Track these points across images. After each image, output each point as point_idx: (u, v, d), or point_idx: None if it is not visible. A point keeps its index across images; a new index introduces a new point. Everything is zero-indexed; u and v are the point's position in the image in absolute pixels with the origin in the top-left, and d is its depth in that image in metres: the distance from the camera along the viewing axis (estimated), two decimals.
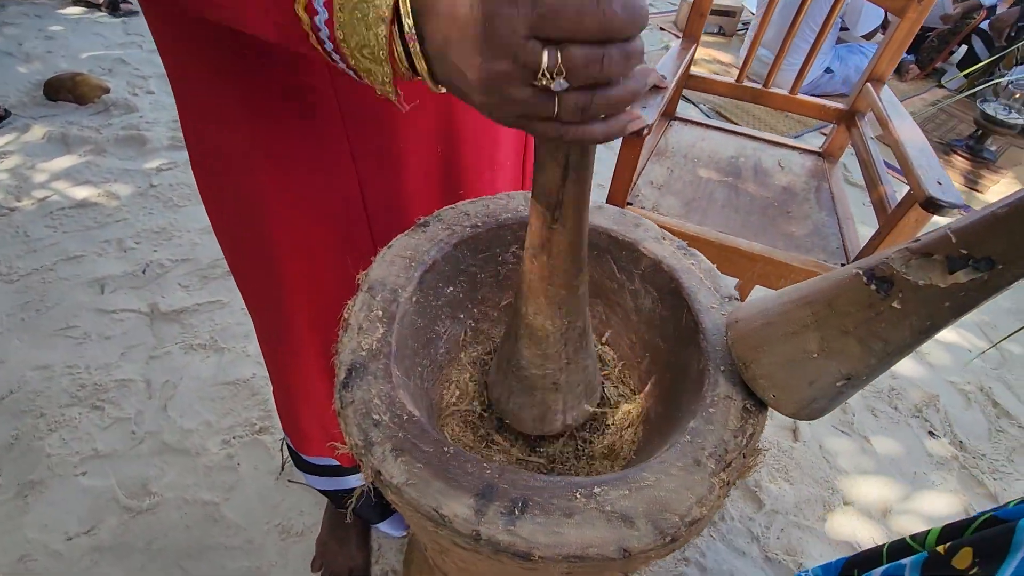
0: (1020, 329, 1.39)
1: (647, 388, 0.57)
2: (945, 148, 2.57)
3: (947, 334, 1.70)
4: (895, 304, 0.35)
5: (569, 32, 0.26)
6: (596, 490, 0.37)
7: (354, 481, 0.94)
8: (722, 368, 0.46)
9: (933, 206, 0.79)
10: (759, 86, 1.23)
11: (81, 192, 1.75)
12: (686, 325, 0.51)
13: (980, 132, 2.46)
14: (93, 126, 1.99)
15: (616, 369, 0.62)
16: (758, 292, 1.46)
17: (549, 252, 0.41)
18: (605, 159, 2.20)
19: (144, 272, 1.56)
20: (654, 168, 1.17)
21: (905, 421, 1.46)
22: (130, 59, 2.50)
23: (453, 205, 0.59)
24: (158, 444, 1.21)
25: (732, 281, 1.37)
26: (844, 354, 0.38)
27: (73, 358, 1.34)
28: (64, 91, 2.00)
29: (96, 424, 1.23)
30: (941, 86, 3.16)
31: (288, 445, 0.93)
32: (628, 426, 0.56)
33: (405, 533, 1.09)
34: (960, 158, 2.50)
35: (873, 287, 0.36)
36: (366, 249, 0.60)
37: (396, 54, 0.31)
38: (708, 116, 2.64)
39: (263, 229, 0.60)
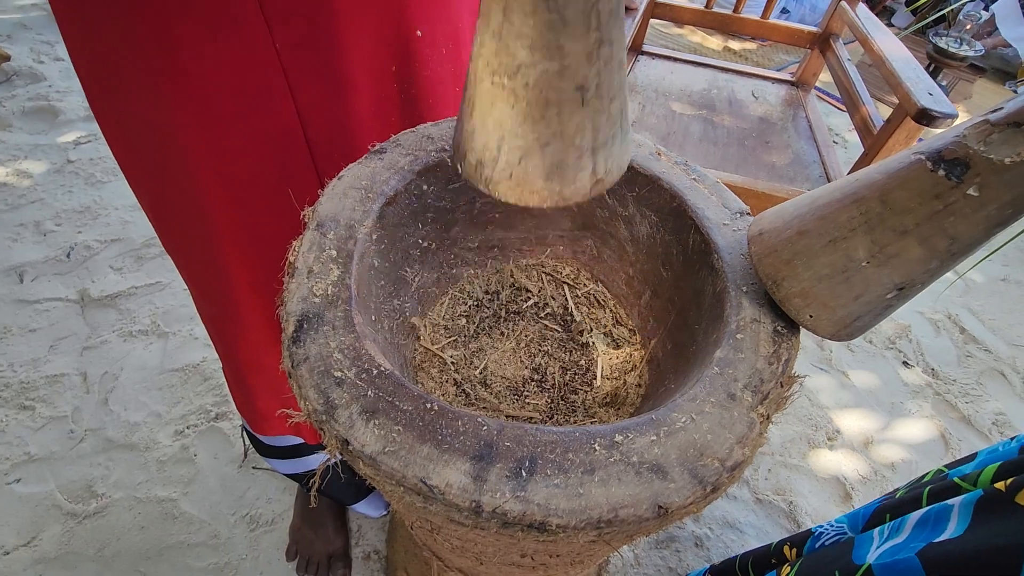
0: (985, 258, 1.40)
1: (650, 325, 0.51)
2: None
3: None
4: (971, 191, 0.29)
5: None
6: (619, 438, 0.30)
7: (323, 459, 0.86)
8: (744, 289, 0.39)
9: (926, 118, 0.75)
10: (730, 12, 1.16)
11: None
12: (694, 247, 0.44)
13: (932, 67, 2.48)
14: None
15: (607, 308, 0.55)
16: None
17: None
18: None
19: (69, 256, 1.40)
20: None
21: (880, 353, 1.47)
22: (32, 23, 2.22)
23: (414, 128, 0.50)
24: (101, 441, 1.09)
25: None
26: (900, 259, 0.32)
27: None
28: None
29: (27, 426, 1.10)
30: (891, 25, 3.17)
31: (246, 429, 0.84)
32: (631, 370, 0.50)
33: (385, 512, 1.02)
34: None
35: (942, 173, 0.30)
36: (310, 185, 0.50)
37: None
38: None
39: (184, 172, 0.50)
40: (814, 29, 1.14)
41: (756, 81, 1.21)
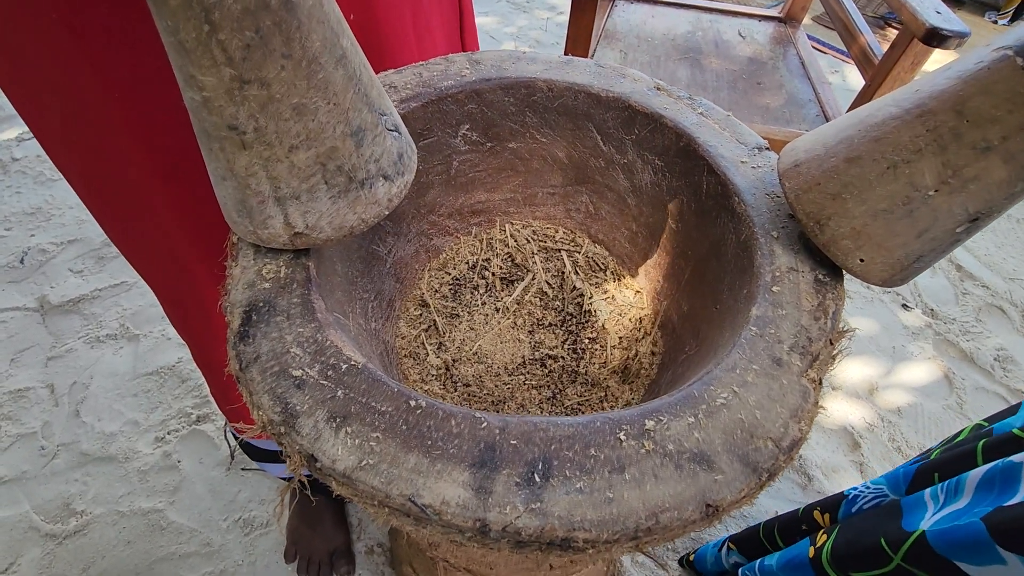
0: None
1: (660, 286, 0.45)
2: (879, 21, 2.51)
3: None
4: None
5: None
6: (649, 424, 0.25)
7: None
8: (774, 235, 0.34)
9: (936, 38, 0.69)
10: None
11: None
12: (709, 191, 0.38)
13: None
14: None
15: (608, 270, 0.49)
16: None
17: None
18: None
19: (23, 262, 1.30)
20: (605, 52, 1.02)
21: (878, 298, 1.44)
22: None
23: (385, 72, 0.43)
24: (76, 456, 1.03)
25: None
26: (979, 182, 0.26)
27: None
28: None
29: None
30: None
31: (232, 432, 0.78)
32: (643, 337, 0.44)
33: None
34: (894, 29, 2.45)
35: None
36: None
37: None
38: None
39: (115, 149, 0.42)
40: None
41: (742, 20, 1.13)
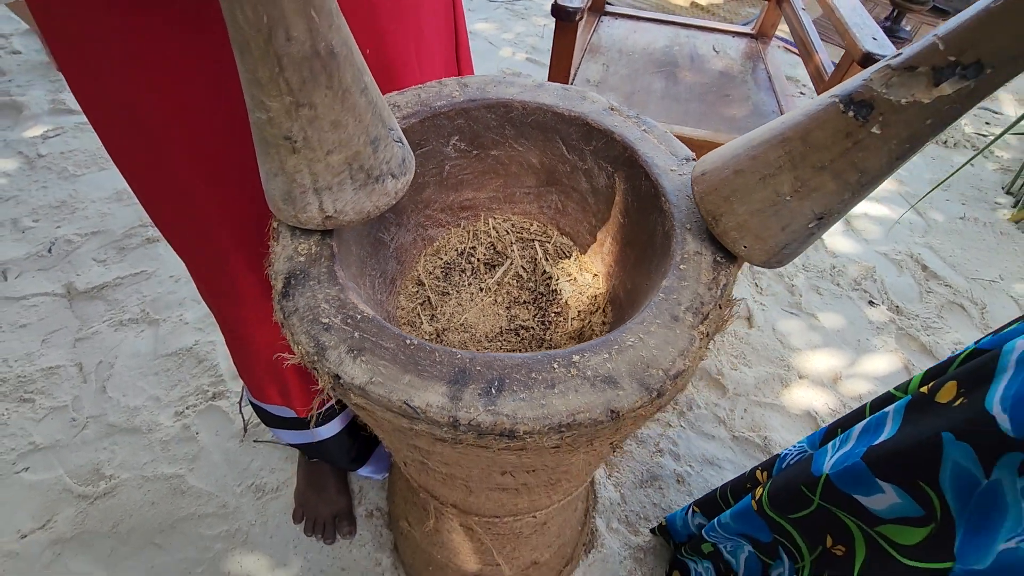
0: (931, 191, 1.46)
1: (611, 269, 0.55)
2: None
3: (878, 209, 1.78)
4: (875, 129, 0.33)
5: None
6: (576, 358, 0.35)
7: (323, 433, 0.91)
8: (688, 227, 0.44)
9: (871, 61, 0.78)
10: None
11: None
12: (645, 192, 0.49)
13: (896, 12, 2.50)
14: None
15: (573, 257, 0.59)
16: None
17: None
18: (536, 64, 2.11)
19: (50, 251, 1.40)
20: (589, 66, 1.12)
21: (846, 295, 1.54)
22: None
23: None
24: (103, 427, 1.13)
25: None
26: (819, 192, 0.37)
27: None
28: None
29: (28, 417, 1.13)
30: None
31: (251, 400, 0.88)
32: (596, 311, 0.55)
33: (386, 475, 1.08)
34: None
35: (851, 114, 0.34)
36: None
37: None
38: None
39: (163, 154, 0.52)
40: None
41: (717, 36, 1.23)
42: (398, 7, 0.54)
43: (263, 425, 1.10)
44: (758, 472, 0.76)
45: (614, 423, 0.34)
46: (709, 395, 1.29)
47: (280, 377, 0.77)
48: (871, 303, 1.52)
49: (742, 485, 0.79)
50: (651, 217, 0.48)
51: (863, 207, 1.78)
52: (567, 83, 0.96)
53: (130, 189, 0.58)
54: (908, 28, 2.59)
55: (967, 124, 2.13)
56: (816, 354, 1.40)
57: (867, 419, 0.53)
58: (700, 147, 0.97)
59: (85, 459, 1.08)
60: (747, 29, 1.25)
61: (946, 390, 0.46)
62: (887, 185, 1.87)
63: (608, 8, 1.27)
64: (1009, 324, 0.52)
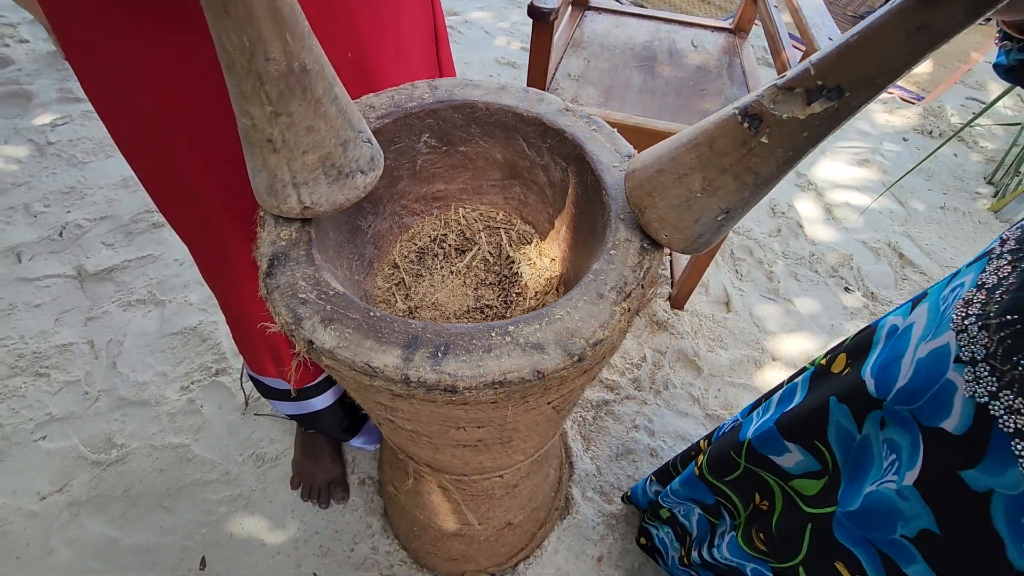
0: (904, 176, 1.51)
1: (564, 255, 0.62)
2: (858, 20, 2.62)
3: (859, 198, 1.82)
4: (763, 139, 0.39)
5: None
6: (511, 328, 0.42)
7: (316, 404, 0.98)
8: (622, 217, 0.50)
9: None
10: None
11: None
12: (591, 186, 0.55)
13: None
14: None
15: (533, 244, 0.66)
16: None
17: None
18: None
19: (61, 235, 1.48)
20: (571, 60, 1.17)
21: (823, 282, 1.60)
22: None
23: (358, 99, 0.59)
24: (114, 400, 1.21)
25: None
26: (723, 190, 0.43)
27: (4, 331, 1.29)
28: None
29: (44, 390, 1.21)
30: None
31: (250, 375, 0.96)
32: (550, 291, 0.61)
33: (378, 446, 1.16)
34: None
35: (746, 125, 0.40)
36: None
37: None
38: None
39: (172, 150, 0.59)
40: None
41: (696, 30, 1.28)
42: (377, 12, 0.60)
43: (263, 399, 1.18)
44: (702, 442, 0.83)
45: (541, 382, 0.40)
46: (685, 375, 1.36)
47: (275, 350, 0.84)
48: (847, 289, 1.58)
49: (689, 454, 0.86)
50: (595, 208, 0.54)
51: (844, 196, 1.83)
52: (545, 79, 1.02)
53: (136, 177, 0.65)
54: None
55: (954, 115, 2.16)
56: (790, 338, 1.46)
57: (783, 389, 0.60)
58: None
59: (98, 429, 1.17)
60: (726, 24, 1.29)
61: (839, 361, 0.52)
62: (869, 175, 1.91)
63: (592, 3, 1.31)
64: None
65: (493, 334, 0.41)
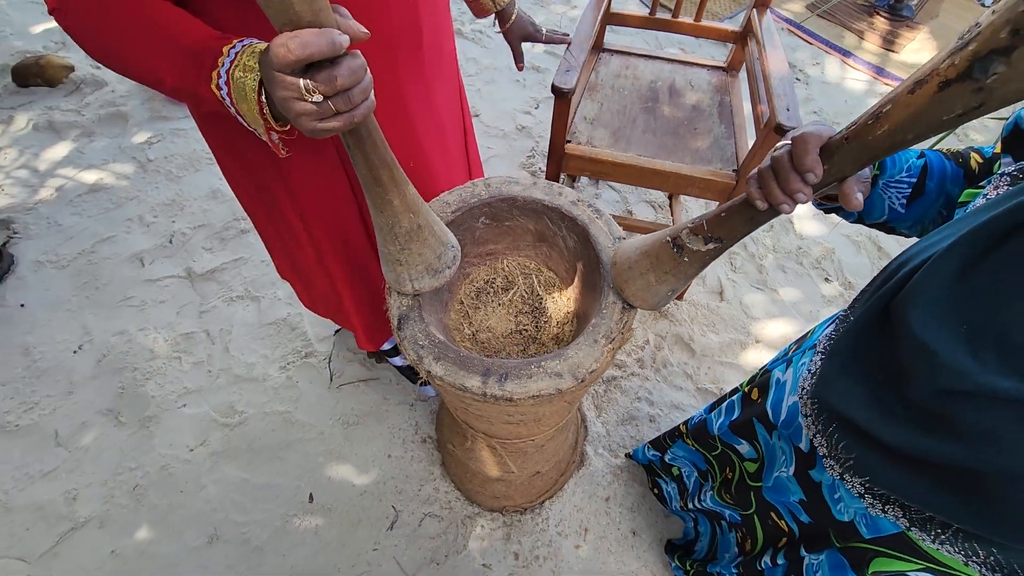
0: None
1: (576, 297, 0.91)
2: (868, 9, 2.73)
3: None
4: (684, 259, 0.68)
5: (301, 59, 0.44)
6: (543, 363, 0.72)
7: (399, 361, 1.35)
8: (611, 285, 0.79)
9: (780, 130, 1.08)
10: (669, 16, 1.44)
11: (90, 176, 1.94)
12: (592, 258, 0.84)
13: None
14: (73, 108, 2.11)
15: (556, 287, 0.95)
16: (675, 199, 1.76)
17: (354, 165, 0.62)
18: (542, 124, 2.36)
19: (171, 242, 1.82)
20: (587, 104, 1.42)
21: (807, 273, 1.85)
22: None
23: (437, 197, 0.88)
24: (231, 377, 1.57)
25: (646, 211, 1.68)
26: (667, 283, 0.71)
27: (140, 322, 1.64)
28: (32, 76, 2.08)
29: (179, 369, 1.57)
30: None
31: (368, 354, 1.30)
32: (567, 322, 0.91)
33: (435, 394, 1.50)
34: (881, 18, 2.67)
35: (675, 250, 0.68)
36: (361, 244, 0.92)
37: (264, 114, 0.54)
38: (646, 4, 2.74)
39: (286, 226, 0.90)
40: (736, 28, 1.42)
41: (694, 69, 1.50)
42: (429, 118, 0.88)
43: (343, 375, 1.52)
44: (681, 426, 1.14)
45: (560, 395, 0.71)
46: (680, 356, 1.66)
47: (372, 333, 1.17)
48: (827, 280, 1.83)
49: (674, 432, 1.17)
50: (595, 274, 0.83)
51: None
52: (565, 133, 1.28)
53: (223, 190, 0.96)
54: (913, 4, 2.70)
55: None
56: (773, 323, 1.74)
57: (726, 402, 0.90)
58: (670, 176, 1.28)
59: (222, 399, 1.53)
60: (720, 62, 1.51)
61: (755, 393, 0.82)
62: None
63: (606, 46, 1.54)
64: (786, 350, 0.87)
65: (532, 367, 0.72)
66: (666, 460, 1.23)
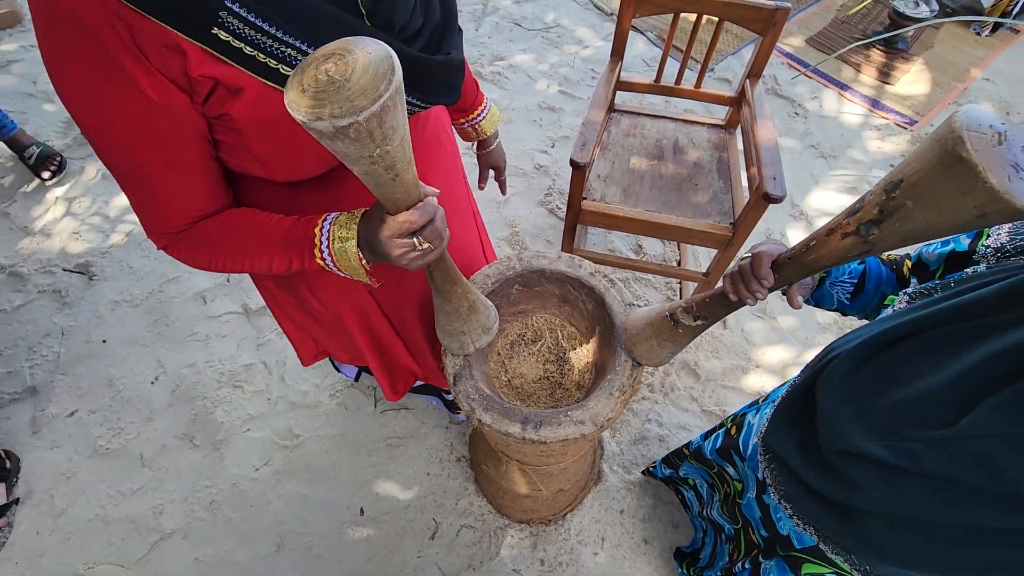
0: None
1: (594, 349, 1.10)
2: (865, 44, 2.88)
3: None
4: (679, 331, 0.86)
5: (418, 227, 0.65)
6: (569, 413, 0.91)
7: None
8: (623, 346, 0.98)
9: (768, 198, 1.26)
10: (672, 84, 1.63)
11: None
12: (607, 321, 1.03)
13: (893, 25, 2.77)
14: None
15: (577, 340, 1.14)
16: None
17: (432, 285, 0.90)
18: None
19: (228, 280, 2.03)
20: (600, 162, 1.61)
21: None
22: None
23: (479, 271, 1.08)
24: (288, 404, 1.78)
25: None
26: (667, 348, 0.90)
27: (206, 355, 1.86)
28: None
29: (242, 397, 1.79)
30: None
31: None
32: (588, 371, 1.10)
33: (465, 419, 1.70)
34: (877, 51, 2.83)
35: (672, 323, 0.87)
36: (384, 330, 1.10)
37: (364, 267, 0.71)
38: (655, 43, 2.92)
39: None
40: (732, 94, 1.60)
41: (695, 127, 1.68)
42: (455, 219, 1.07)
43: (384, 401, 1.72)
44: (684, 449, 1.32)
45: (583, 438, 0.90)
46: (687, 380, 1.83)
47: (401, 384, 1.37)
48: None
49: (680, 452, 1.36)
50: (609, 336, 1.02)
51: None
52: (582, 196, 1.47)
53: None
54: (908, 36, 2.85)
55: None
56: (772, 348, 1.91)
57: (714, 435, 1.09)
58: (673, 229, 1.46)
59: (281, 424, 1.74)
60: (719, 120, 1.69)
61: (734, 429, 1.00)
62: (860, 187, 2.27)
63: (616, 107, 1.73)
64: (756, 400, 1.05)
65: (561, 416, 0.91)
66: (680, 474, 1.41)
